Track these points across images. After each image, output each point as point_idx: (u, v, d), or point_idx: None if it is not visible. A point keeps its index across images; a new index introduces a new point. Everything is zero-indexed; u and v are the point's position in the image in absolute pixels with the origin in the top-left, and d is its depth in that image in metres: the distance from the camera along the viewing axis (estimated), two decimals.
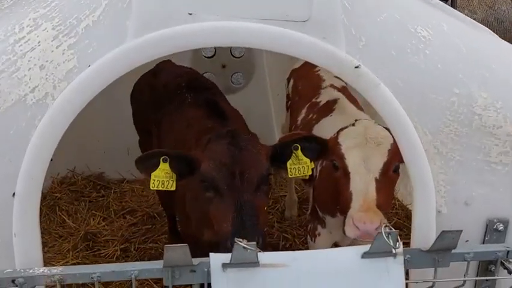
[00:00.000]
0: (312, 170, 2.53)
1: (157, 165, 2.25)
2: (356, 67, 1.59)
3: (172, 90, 3.54)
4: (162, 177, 2.27)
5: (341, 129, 2.52)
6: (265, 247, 2.16)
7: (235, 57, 5.37)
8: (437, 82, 1.75)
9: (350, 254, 1.50)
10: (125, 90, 4.22)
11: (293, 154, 2.40)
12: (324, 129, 3.03)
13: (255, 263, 1.45)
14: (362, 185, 2.27)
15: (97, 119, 5.20)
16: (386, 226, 1.46)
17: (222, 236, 2.22)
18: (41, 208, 4.81)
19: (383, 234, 1.43)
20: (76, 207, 4.93)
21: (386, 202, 2.33)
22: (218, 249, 2.27)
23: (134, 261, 4.14)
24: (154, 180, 2.25)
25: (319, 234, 3.03)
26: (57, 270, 1.45)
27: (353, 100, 3.51)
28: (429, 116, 1.77)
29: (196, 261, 1.51)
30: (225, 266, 1.47)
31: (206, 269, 1.49)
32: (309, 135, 2.48)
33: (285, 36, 1.57)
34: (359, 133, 2.39)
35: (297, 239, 4.52)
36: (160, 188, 2.31)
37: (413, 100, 1.73)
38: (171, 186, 2.31)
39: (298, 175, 2.43)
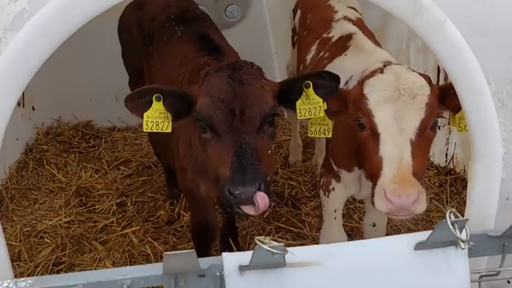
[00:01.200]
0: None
1: (149, 104, 2.04)
2: None
3: (160, 24, 3.16)
4: (156, 118, 2.05)
5: (367, 77, 2.12)
6: (270, 196, 1.93)
7: None
8: (509, 15, 1.32)
9: (400, 245, 1.18)
10: (110, 27, 3.82)
11: (304, 92, 2.12)
12: (338, 70, 2.60)
13: (281, 264, 1.12)
14: (395, 149, 1.91)
15: (79, 62, 4.80)
16: (451, 212, 1.12)
17: (219, 182, 1.98)
18: (27, 162, 4.60)
19: (448, 223, 1.10)
20: (65, 160, 4.64)
21: (423, 167, 2.00)
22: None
23: (131, 216, 3.89)
24: (147, 121, 2.04)
25: (333, 189, 2.76)
26: (26, 284, 1.12)
27: (370, 35, 3.07)
28: (496, 60, 1.36)
29: (205, 262, 1.17)
30: (242, 268, 1.15)
31: (219, 273, 1.17)
32: (321, 71, 2.16)
33: None
34: (390, 83, 1.99)
35: (303, 186, 4.27)
36: (155, 130, 2.06)
37: (477, 40, 1.31)
38: (166, 127, 2.08)
39: (308, 116, 2.13)
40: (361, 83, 2.15)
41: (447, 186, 4.17)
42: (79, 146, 4.83)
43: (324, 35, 3.12)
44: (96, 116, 5.06)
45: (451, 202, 4.03)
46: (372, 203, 1.97)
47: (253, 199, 1.87)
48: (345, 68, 2.65)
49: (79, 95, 4.95)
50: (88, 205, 4.02)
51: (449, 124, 2.22)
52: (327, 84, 2.13)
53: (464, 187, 4.08)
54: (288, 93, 2.17)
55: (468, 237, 1.13)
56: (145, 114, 2.05)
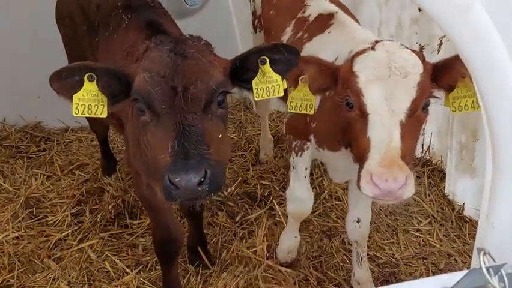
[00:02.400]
0: None
1: (80, 85, 1.80)
2: None
3: (106, 13, 2.85)
4: (88, 101, 1.82)
5: (357, 54, 2.01)
6: (221, 185, 1.72)
7: None
8: None
9: None
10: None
11: (260, 70, 1.92)
12: (320, 48, 2.45)
13: None
14: (384, 131, 1.85)
15: (25, 56, 4.34)
16: (484, 254, 0.87)
17: (159, 171, 1.72)
18: None
19: (484, 270, 0.85)
20: (12, 167, 4.23)
21: (412, 150, 1.94)
22: None
23: (88, 228, 3.55)
24: (78, 104, 1.81)
25: (307, 148, 2.74)
26: None
27: (349, 13, 2.91)
28: None
29: None
30: None
31: None
32: (277, 44, 1.97)
33: None
34: (381, 61, 1.90)
35: (276, 184, 4.00)
36: (87, 115, 1.84)
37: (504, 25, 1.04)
38: (101, 112, 1.86)
39: (267, 97, 1.96)
40: (351, 59, 2.02)
41: (424, 178, 4.02)
42: (28, 151, 4.40)
43: (300, 15, 2.92)
44: (46, 116, 4.62)
45: (429, 195, 3.88)
46: (358, 187, 1.90)
47: (197, 189, 1.65)
48: (329, 46, 2.48)
49: (26, 93, 4.50)
50: (40, 217, 3.65)
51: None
52: (285, 59, 1.93)
53: (442, 178, 3.95)
54: (242, 72, 1.94)
55: (507, 286, 0.88)
56: (75, 96, 1.80)
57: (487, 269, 0.86)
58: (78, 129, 4.69)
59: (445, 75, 1.98)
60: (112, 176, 4.04)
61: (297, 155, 2.80)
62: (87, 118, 3.87)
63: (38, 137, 4.55)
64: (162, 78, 1.74)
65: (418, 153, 4.24)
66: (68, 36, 3.29)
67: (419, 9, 3.64)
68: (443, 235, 3.53)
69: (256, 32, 3.56)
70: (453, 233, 3.54)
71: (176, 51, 1.79)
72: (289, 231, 3.23)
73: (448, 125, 3.72)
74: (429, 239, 3.51)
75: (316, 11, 2.83)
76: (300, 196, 2.92)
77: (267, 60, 1.90)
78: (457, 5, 0.95)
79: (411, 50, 1.98)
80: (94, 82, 1.80)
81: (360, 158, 1.94)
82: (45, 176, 4.09)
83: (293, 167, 2.89)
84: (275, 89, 1.93)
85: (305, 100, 2.14)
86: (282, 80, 1.94)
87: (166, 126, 1.72)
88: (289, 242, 3.24)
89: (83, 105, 1.81)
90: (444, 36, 3.58)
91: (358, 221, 2.97)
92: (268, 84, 1.93)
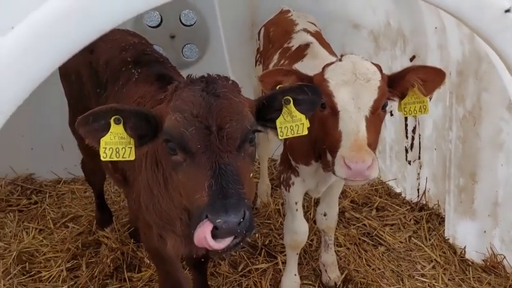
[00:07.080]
0: None
1: (107, 128, 1.79)
2: (507, 11, 0.96)
3: (116, 68, 2.90)
4: (116, 144, 1.80)
5: (327, 65, 2.34)
6: (254, 226, 1.66)
7: (186, 26, 4.60)
8: None
9: None
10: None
11: (284, 109, 1.98)
12: None
13: None
14: (353, 124, 2.17)
15: (18, 107, 4.24)
16: None
17: (194, 211, 1.67)
18: None
19: None
20: (2, 221, 4.07)
21: (376, 141, 2.27)
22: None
23: (85, 282, 3.39)
24: (105, 148, 1.79)
25: (293, 184, 2.96)
26: None
27: (327, 45, 3.29)
28: None
29: None
30: None
31: None
32: (302, 84, 2.07)
33: None
34: (347, 69, 2.25)
35: (276, 232, 3.96)
36: (115, 159, 1.80)
37: None
38: (129, 154, 1.83)
39: (291, 135, 2.02)
40: (322, 69, 2.33)
41: (423, 222, 4.05)
42: (19, 204, 4.26)
43: (285, 45, 3.29)
44: (38, 168, 4.54)
45: (430, 239, 3.90)
46: (333, 172, 2.18)
47: (237, 230, 1.60)
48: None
49: (18, 145, 4.43)
50: (32, 273, 3.47)
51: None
52: (309, 99, 2.01)
53: (441, 223, 3.99)
54: (266, 111, 1.98)
55: None
56: (102, 140, 1.78)
57: None
58: (71, 180, 4.60)
59: (398, 84, 2.33)
60: (108, 228, 3.92)
61: (286, 190, 3.00)
62: (84, 170, 3.84)
63: (30, 190, 4.43)
64: (195, 118, 1.73)
65: (414, 198, 4.31)
66: (73, 91, 3.29)
67: (411, 60, 3.84)
68: (448, 279, 3.52)
69: (256, 66, 3.86)
70: (457, 276, 3.53)
71: (208, 90, 1.78)
72: (289, 269, 3.29)
73: (444, 169, 3.81)
74: (435, 283, 3.49)
75: (297, 42, 3.21)
76: (294, 228, 3.09)
77: (291, 100, 1.96)
78: (493, 10, 1.01)
79: (371, 62, 2.33)
80: (121, 125, 1.78)
81: (333, 149, 2.22)
82: (37, 230, 3.94)
83: (285, 200, 3.09)
84: (299, 127, 1.99)
85: (297, 122, 2.25)
86: (306, 118, 2.00)
87: (201, 165, 1.68)
88: (289, 283, 3.28)
89: (111, 149, 1.79)
90: None
91: (325, 215, 3.30)
92: (293, 123, 1.99)
